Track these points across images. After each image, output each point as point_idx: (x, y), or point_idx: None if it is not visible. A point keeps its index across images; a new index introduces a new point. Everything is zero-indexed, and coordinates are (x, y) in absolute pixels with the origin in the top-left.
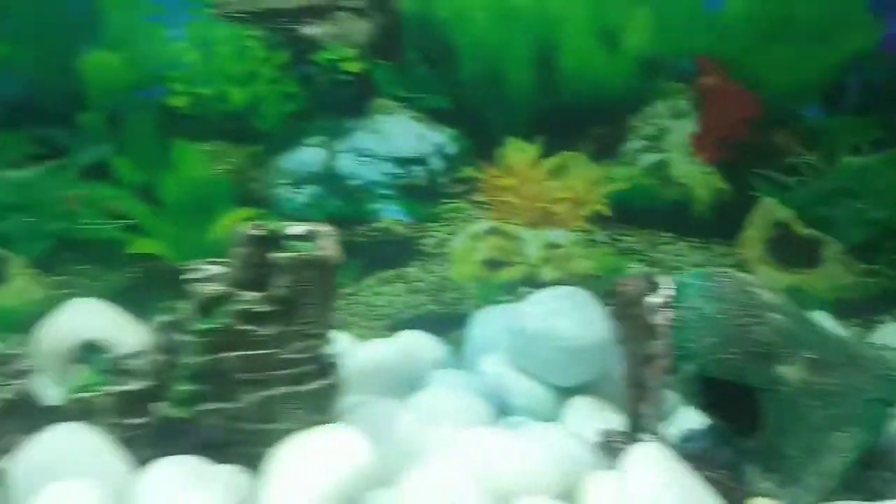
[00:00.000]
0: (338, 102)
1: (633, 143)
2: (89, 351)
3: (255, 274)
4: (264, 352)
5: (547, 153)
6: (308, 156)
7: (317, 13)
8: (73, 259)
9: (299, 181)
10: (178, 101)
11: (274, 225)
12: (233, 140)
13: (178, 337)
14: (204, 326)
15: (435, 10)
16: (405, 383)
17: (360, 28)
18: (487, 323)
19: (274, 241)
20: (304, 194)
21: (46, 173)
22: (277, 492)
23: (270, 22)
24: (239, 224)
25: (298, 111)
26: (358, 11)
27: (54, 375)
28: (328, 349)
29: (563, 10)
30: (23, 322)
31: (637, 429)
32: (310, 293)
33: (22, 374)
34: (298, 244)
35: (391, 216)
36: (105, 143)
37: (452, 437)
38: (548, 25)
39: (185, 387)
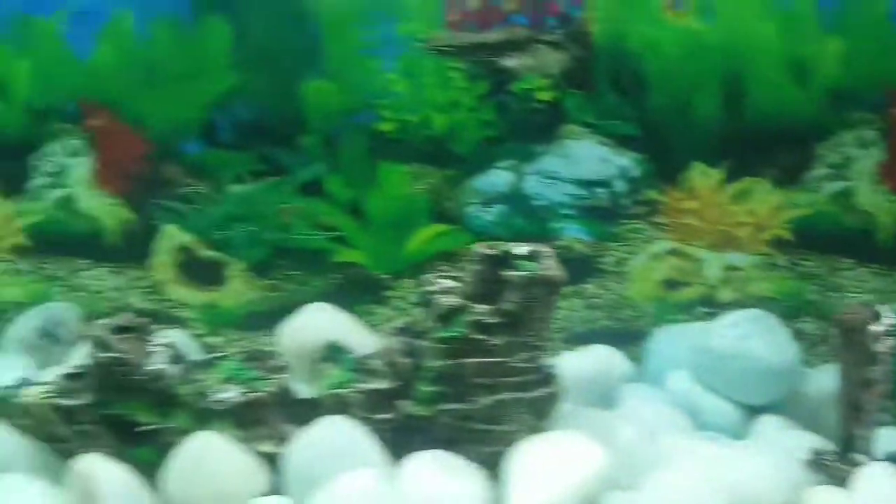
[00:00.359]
0: (529, 128)
1: (818, 171)
2: (333, 351)
3: (486, 289)
4: (495, 360)
5: (731, 178)
6: (498, 177)
7: (516, 46)
8: (285, 265)
9: (488, 201)
10: (387, 127)
11: (504, 245)
12: (432, 162)
13: (413, 341)
14: (444, 334)
15: (627, 43)
16: (599, 395)
17: (555, 59)
18: (670, 341)
19: (503, 259)
20: (491, 213)
21: (267, 188)
22: (521, 491)
23: (473, 55)
24: (475, 244)
25: (493, 137)
26: (554, 45)
27: (300, 372)
28: (549, 360)
29: (754, 42)
30: (237, 319)
31: (848, 448)
32: (535, 308)
33: (280, 369)
34: (525, 263)
35: (573, 235)
36: (320, 163)
37: (676, 447)
38: (738, 56)
39: (429, 388)
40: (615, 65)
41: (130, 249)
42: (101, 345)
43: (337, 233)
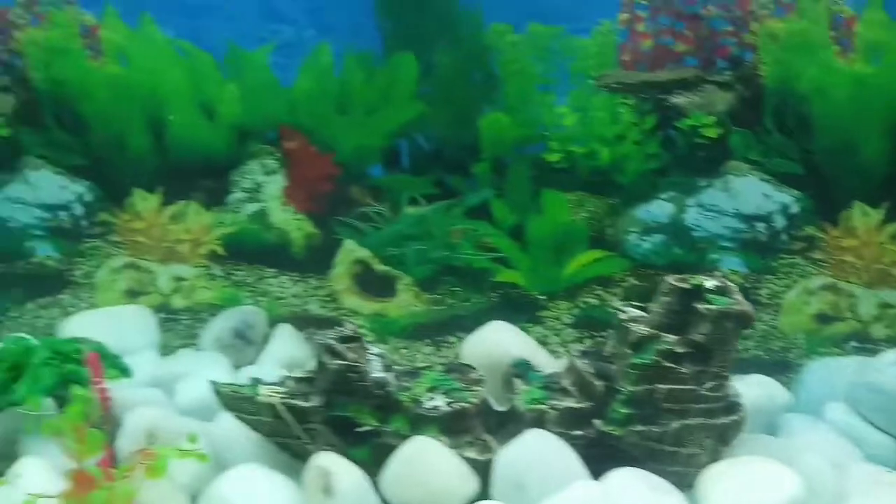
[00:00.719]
0: (693, 163)
1: None
2: (521, 367)
3: (675, 319)
4: (684, 387)
5: (890, 218)
6: (658, 208)
7: (686, 85)
8: (449, 282)
9: (647, 230)
10: (553, 157)
11: (694, 279)
12: (594, 191)
13: (598, 364)
14: (637, 361)
15: (795, 86)
16: (761, 423)
17: (723, 99)
18: (825, 373)
19: (694, 292)
20: (650, 242)
21: (439, 210)
22: None
23: (643, 92)
24: (668, 277)
25: (657, 169)
26: (723, 85)
27: (489, 385)
28: (734, 389)
29: None
30: (403, 329)
31: None
32: (724, 340)
33: (478, 382)
34: (716, 297)
35: (730, 267)
36: (488, 189)
37: (858, 476)
38: None
39: (622, 409)
40: (782, 105)
41: (312, 261)
42: (333, 353)
43: (499, 254)
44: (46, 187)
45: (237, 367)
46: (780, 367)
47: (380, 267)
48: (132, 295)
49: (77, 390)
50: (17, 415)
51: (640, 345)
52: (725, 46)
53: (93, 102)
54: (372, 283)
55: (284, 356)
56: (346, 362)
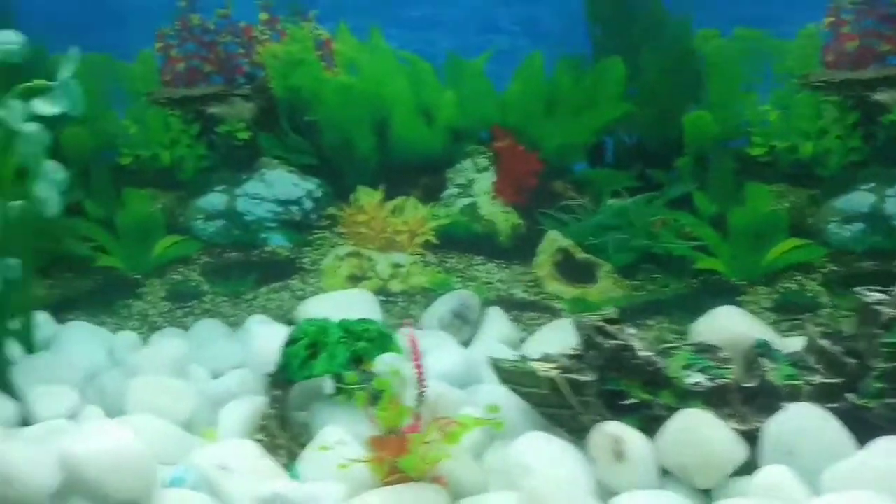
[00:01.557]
0: (894, 154)
1: None
2: (763, 347)
3: None
4: None
5: None
6: (859, 198)
7: (888, 82)
8: (648, 269)
9: (847, 219)
10: (756, 151)
11: None
12: (795, 183)
13: (846, 343)
14: (890, 340)
15: None
16: None
17: None
18: None
19: None
20: (849, 230)
21: (640, 202)
22: None
23: (846, 90)
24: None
25: (858, 161)
26: None
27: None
28: None
29: None
30: None
31: None
32: None
33: (728, 360)
34: None
35: None
36: (690, 181)
37: None
38: None
39: (877, 384)
40: None
41: (517, 249)
42: (605, 333)
43: (699, 242)
44: (280, 184)
45: (461, 344)
46: None
47: (581, 255)
48: (354, 280)
49: (389, 365)
50: (309, 387)
51: (890, 325)
52: None
53: (324, 108)
54: (573, 270)
55: (499, 335)
56: (620, 342)
